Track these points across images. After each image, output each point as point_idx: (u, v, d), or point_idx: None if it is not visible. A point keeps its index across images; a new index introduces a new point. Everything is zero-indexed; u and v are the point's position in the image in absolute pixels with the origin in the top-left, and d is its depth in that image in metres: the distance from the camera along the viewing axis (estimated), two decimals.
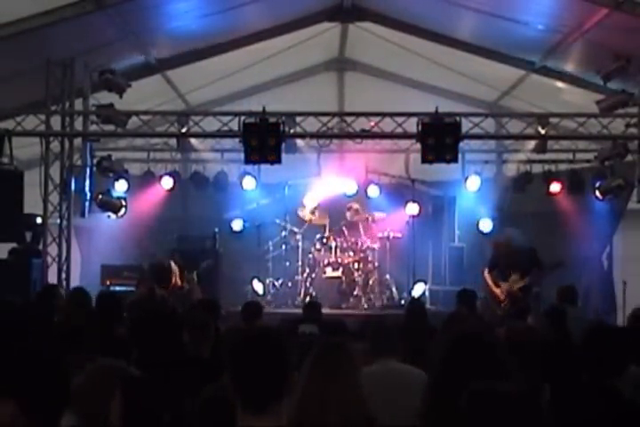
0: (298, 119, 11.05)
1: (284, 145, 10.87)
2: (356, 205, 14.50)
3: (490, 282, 11.04)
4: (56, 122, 11.26)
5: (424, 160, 10.70)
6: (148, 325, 5.07)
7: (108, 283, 13.34)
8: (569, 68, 12.79)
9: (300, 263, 14.16)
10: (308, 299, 13.17)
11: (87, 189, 11.90)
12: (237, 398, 2.54)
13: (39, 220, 11.47)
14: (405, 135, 11.20)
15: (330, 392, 3.49)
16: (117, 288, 13.13)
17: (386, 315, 11.87)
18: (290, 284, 14.00)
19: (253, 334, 2.69)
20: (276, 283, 14.03)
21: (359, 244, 14.23)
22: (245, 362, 2.56)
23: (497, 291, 10.86)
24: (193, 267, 12.34)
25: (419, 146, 10.75)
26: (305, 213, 14.59)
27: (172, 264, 11.94)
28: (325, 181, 14.92)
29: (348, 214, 14.42)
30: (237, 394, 2.54)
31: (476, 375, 3.09)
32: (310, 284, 13.91)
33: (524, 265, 10.86)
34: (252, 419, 2.50)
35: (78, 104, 11.66)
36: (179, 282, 11.90)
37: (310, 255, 14.18)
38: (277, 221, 14.49)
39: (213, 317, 6.59)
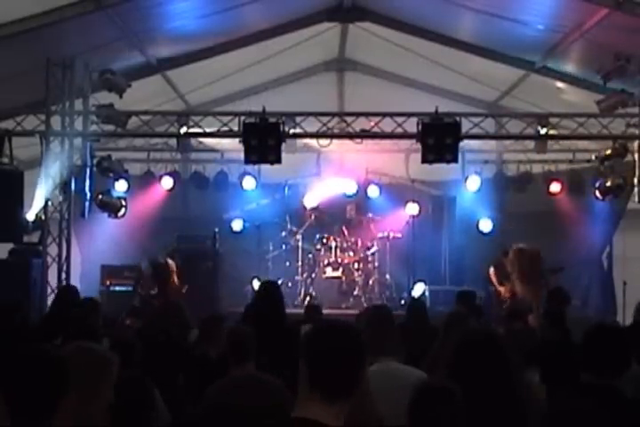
0: (298, 119, 11.06)
1: (284, 145, 10.88)
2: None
3: (495, 280, 11.47)
4: (56, 122, 11.26)
5: (424, 160, 10.71)
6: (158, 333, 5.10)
7: (107, 283, 13.34)
8: (569, 68, 12.78)
9: (299, 263, 14.16)
10: (308, 299, 13.19)
11: (87, 189, 11.88)
12: (310, 390, 2.42)
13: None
14: (405, 135, 11.21)
15: None
16: (117, 288, 13.15)
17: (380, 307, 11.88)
18: (290, 284, 14.00)
19: (339, 324, 2.58)
20: None
21: (359, 244, 14.23)
22: (328, 353, 2.44)
23: (501, 289, 11.27)
24: (192, 268, 12.35)
25: (419, 146, 10.75)
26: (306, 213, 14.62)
27: (170, 262, 11.94)
28: (325, 181, 14.93)
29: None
30: (311, 386, 2.42)
31: (485, 376, 3.10)
32: (310, 284, 13.91)
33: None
34: (315, 413, 2.40)
35: (78, 104, 11.66)
36: (176, 281, 11.90)
37: (310, 255, 14.18)
38: (277, 221, 14.49)
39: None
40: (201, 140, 13.52)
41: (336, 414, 2.43)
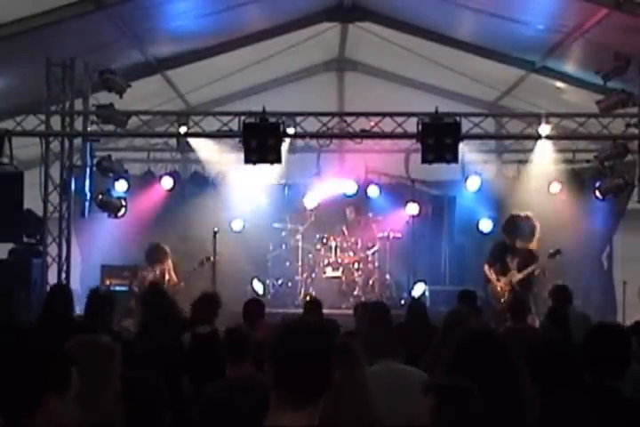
0: (298, 119, 11.05)
1: (284, 145, 10.89)
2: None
3: (491, 277, 11.66)
4: (56, 122, 11.25)
5: (424, 160, 10.70)
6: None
7: (107, 283, 13.33)
8: (569, 68, 12.78)
9: (300, 263, 14.15)
10: (308, 298, 13.17)
11: (87, 189, 11.87)
12: (278, 393, 2.40)
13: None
14: (405, 135, 11.20)
15: (338, 394, 3.44)
16: (117, 288, 13.13)
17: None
18: (290, 284, 14.00)
19: (303, 325, 2.50)
20: (276, 283, 14.02)
21: (359, 244, 14.22)
22: (294, 356, 2.39)
23: (498, 285, 11.51)
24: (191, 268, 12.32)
25: (419, 146, 10.75)
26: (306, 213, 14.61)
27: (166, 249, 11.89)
28: (325, 181, 14.92)
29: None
30: (279, 390, 2.40)
31: (486, 376, 3.10)
32: (310, 284, 13.91)
33: (522, 263, 11.57)
34: (288, 418, 2.37)
35: (78, 104, 11.65)
36: (174, 278, 11.89)
37: (310, 255, 14.18)
38: (277, 221, 14.48)
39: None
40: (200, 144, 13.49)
41: (309, 414, 2.41)
